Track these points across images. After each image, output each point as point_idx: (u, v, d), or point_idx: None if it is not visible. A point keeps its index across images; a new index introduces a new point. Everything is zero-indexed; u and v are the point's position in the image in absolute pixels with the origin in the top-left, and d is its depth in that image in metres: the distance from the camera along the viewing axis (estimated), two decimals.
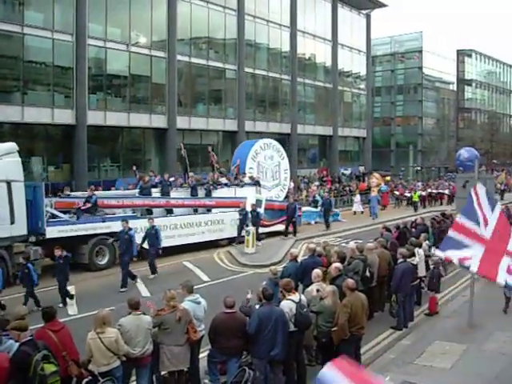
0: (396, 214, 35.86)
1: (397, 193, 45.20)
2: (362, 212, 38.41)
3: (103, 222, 20.64)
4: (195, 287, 10.09)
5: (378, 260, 13.93)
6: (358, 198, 39.66)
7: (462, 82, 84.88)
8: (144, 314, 8.72)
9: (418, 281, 14.54)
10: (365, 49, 59.44)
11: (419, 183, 52.30)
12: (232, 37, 42.45)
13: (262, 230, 26.01)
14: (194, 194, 25.84)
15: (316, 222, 31.97)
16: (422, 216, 24.66)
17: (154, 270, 19.02)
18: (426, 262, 15.13)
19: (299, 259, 14.30)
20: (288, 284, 9.83)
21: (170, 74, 37.02)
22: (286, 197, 31.12)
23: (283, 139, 48.06)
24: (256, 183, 27.85)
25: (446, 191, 47.04)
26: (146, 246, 19.45)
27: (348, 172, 54.18)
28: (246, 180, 27.96)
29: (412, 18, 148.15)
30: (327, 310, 9.74)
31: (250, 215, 24.43)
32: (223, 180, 27.76)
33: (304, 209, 32.77)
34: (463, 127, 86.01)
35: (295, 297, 9.59)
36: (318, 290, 10.42)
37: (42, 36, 30.62)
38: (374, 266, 13.62)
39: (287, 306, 9.33)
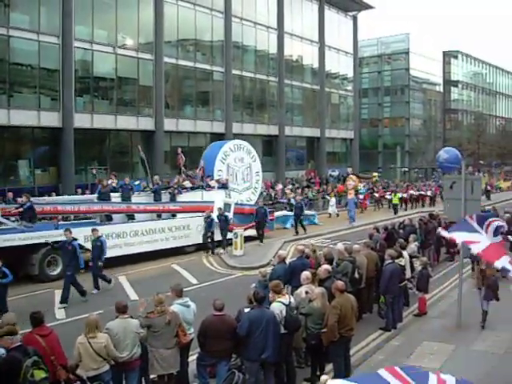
0: (375, 217, 35.62)
1: (376, 195, 44.59)
2: (338, 215, 37.88)
3: (56, 229, 19.12)
4: (184, 290, 10.05)
5: (366, 261, 13.97)
6: (333, 200, 39.32)
7: (449, 83, 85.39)
8: (131, 317, 8.69)
9: (406, 282, 14.60)
10: (352, 50, 59.60)
11: (404, 184, 51.77)
12: (219, 39, 42.42)
13: (230, 235, 24.75)
14: (157, 198, 24.60)
15: (293, 226, 30.77)
16: (403, 218, 24.53)
17: (97, 285, 17.47)
18: (411, 263, 15.16)
19: (287, 261, 14.29)
20: (277, 286, 9.82)
21: (157, 76, 36.91)
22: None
23: (271, 141, 48.26)
24: (223, 186, 27.04)
25: (428, 193, 46.54)
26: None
27: (336, 173, 54.22)
28: (212, 183, 26.96)
29: (398, 19, 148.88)
30: (316, 312, 9.74)
31: (217, 220, 23.77)
32: (187, 183, 26.60)
33: (279, 213, 32.26)
34: (450, 128, 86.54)
35: (285, 299, 9.58)
36: (306, 292, 10.42)
37: (28, 38, 30.39)
38: (362, 268, 13.64)
39: (277, 308, 9.32)
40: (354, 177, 39.31)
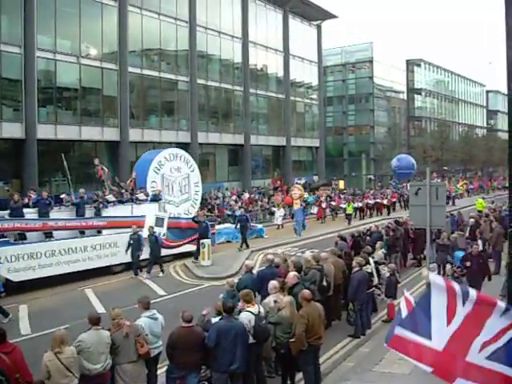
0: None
1: (333, 203, 42.73)
2: (282, 226, 35.57)
3: None
4: (151, 302, 9.94)
5: (334, 269, 14.02)
6: (281, 211, 37.00)
7: (412, 91, 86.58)
8: (103, 328, 8.56)
9: (374, 288, 14.69)
10: (316, 59, 59.97)
11: (368, 192, 50.86)
12: (184, 48, 42.29)
13: (167, 251, 23.58)
14: (80, 213, 22.12)
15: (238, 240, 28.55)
16: (369, 225, 24.56)
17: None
18: (378, 270, 15.26)
19: (255, 270, 14.27)
20: (248, 295, 9.79)
21: (121, 86, 36.62)
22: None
23: (237, 150, 48.25)
24: (156, 199, 24.97)
25: (384, 201, 44.25)
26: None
27: (302, 182, 54.37)
28: (140, 196, 24.77)
29: (362, 27, 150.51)
30: (285, 321, 9.72)
31: (147, 239, 21.60)
32: (110, 197, 23.73)
33: (221, 226, 30.61)
34: (414, 135, 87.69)
35: (254, 309, 9.54)
36: (275, 301, 10.39)
37: None
38: (330, 276, 13.68)
39: (246, 317, 9.28)
40: (299, 186, 37.70)
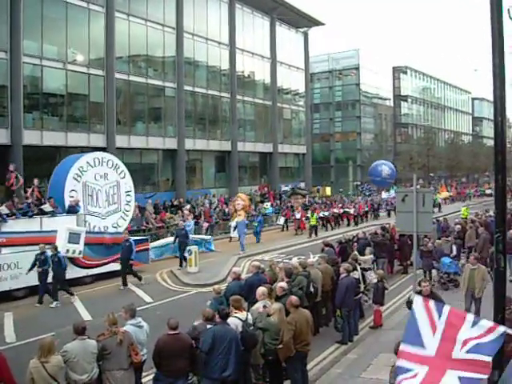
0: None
1: (297, 216, 38.62)
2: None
3: None
4: (138, 309, 9.90)
5: (322, 275, 14.04)
6: (235, 223, 32.52)
7: (398, 97, 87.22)
8: (89, 338, 8.47)
9: (361, 294, 14.73)
10: (303, 66, 60.20)
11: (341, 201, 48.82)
12: (171, 55, 42.27)
13: (87, 271, 21.07)
14: None
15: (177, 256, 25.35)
16: (356, 232, 24.62)
17: None
18: (363, 276, 15.31)
19: (243, 277, 14.24)
20: (238, 301, 9.80)
21: (108, 92, 36.50)
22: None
23: (223, 157, 48.23)
24: (73, 210, 21.67)
25: (351, 210, 41.69)
26: None
27: (288, 188, 54.41)
28: (46, 208, 21.26)
29: (349, 36, 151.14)
30: (273, 328, 9.69)
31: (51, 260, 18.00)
32: (3, 209, 20.21)
33: (162, 241, 27.62)
34: (400, 142, 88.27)
35: (242, 315, 9.52)
36: (264, 307, 10.38)
37: None
38: (317, 282, 13.70)
39: (233, 323, 9.25)
40: (243, 195, 33.94)
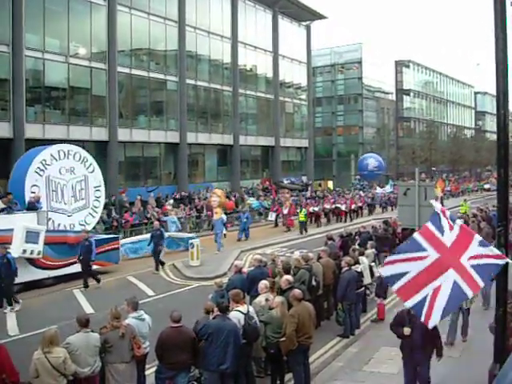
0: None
1: (285, 211, 36.69)
2: (225, 235, 29.83)
3: None
4: (140, 302, 9.93)
5: (323, 269, 14.06)
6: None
7: (401, 91, 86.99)
8: (92, 331, 8.50)
9: (363, 288, 14.73)
10: (305, 60, 60.06)
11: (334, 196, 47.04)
12: (173, 48, 42.20)
13: (47, 272, 19.47)
14: None
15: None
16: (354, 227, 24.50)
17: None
18: (371, 269, 15.31)
19: (245, 270, 14.27)
20: (238, 295, 9.81)
21: (110, 85, 36.45)
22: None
23: (225, 150, 48.22)
24: (32, 207, 19.90)
25: (343, 206, 39.81)
26: None
27: (289, 182, 54.41)
28: None
29: (351, 29, 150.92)
30: (275, 321, 9.72)
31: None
32: None
33: (133, 238, 26.26)
34: (403, 136, 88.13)
35: (243, 308, 9.54)
36: (266, 300, 10.41)
37: None
38: (319, 275, 13.72)
39: (235, 316, 9.27)
40: (218, 191, 31.55)
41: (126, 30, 37.84)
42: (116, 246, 22.55)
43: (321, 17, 59.36)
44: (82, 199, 22.75)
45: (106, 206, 30.61)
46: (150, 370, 9.73)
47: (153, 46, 40.89)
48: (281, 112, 55.41)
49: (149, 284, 19.72)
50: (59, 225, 21.47)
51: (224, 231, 29.07)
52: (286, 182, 53.81)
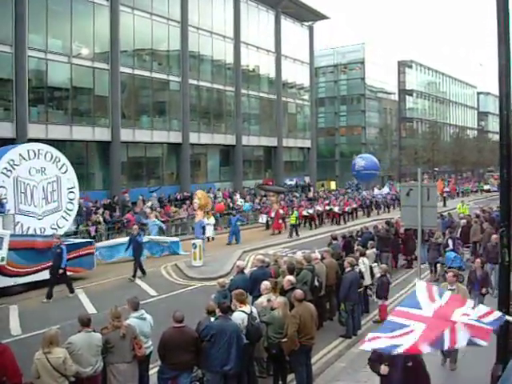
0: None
1: (281, 211, 35.50)
2: (213, 238, 30.61)
3: None
4: (143, 302, 9.94)
5: (326, 269, 14.06)
6: (212, 220, 31.31)
7: (404, 92, 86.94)
8: (94, 331, 8.51)
9: (364, 288, 14.74)
10: (308, 60, 60.02)
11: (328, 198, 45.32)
12: (176, 48, 42.22)
13: (13, 280, 18.12)
14: None
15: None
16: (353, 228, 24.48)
17: None
18: (371, 270, 15.31)
19: (247, 271, 14.28)
20: (242, 295, 9.82)
21: (113, 86, 36.48)
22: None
23: (228, 150, 48.22)
24: None
25: (336, 208, 38.42)
26: None
27: (293, 182, 54.38)
28: None
29: (354, 30, 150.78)
30: (277, 321, 9.72)
31: None
32: None
33: (110, 242, 25.09)
34: (405, 136, 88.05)
35: (246, 308, 9.54)
36: (269, 300, 10.41)
37: None
38: (321, 276, 13.72)
39: (239, 317, 9.28)
40: (199, 193, 29.74)
41: (129, 30, 37.85)
42: (90, 251, 21.23)
43: (323, 17, 59.33)
44: (54, 201, 21.59)
45: (108, 206, 30.70)
46: (154, 370, 9.73)
47: (155, 47, 40.91)
48: (283, 112, 55.39)
49: (151, 284, 19.72)
50: (28, 228, 20.44)
51: (209, 234, 28.88)
52: (293, 182, 53.79)
